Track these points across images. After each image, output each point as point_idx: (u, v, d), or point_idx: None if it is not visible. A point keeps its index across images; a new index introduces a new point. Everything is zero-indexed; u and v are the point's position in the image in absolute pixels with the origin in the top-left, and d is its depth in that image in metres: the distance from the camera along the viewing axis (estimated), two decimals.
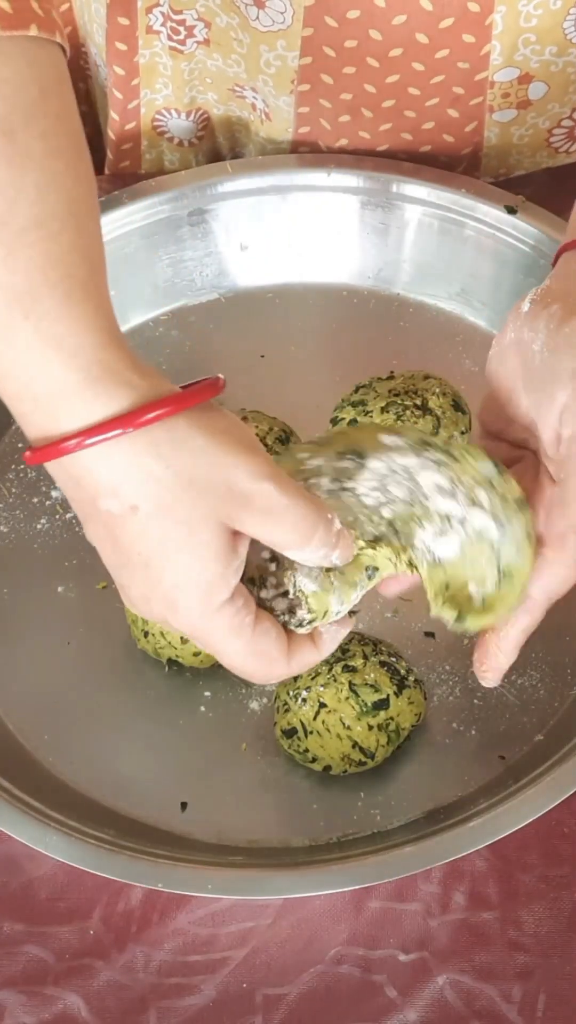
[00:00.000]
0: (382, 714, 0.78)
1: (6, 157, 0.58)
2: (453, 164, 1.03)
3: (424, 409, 0.89)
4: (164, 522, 0.61)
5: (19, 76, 0.59)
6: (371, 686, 0.78)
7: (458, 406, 0.90)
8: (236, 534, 0.63)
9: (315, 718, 0.78)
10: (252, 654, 0.66)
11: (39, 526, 0.91)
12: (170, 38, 1.01)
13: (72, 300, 0.59)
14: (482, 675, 0.74)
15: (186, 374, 0.97)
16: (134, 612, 0.69)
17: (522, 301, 0.72)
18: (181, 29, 1.00)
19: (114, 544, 0.63)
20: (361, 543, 0.68)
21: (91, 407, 0.59)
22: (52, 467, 0.62)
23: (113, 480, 0.61)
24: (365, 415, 0.89)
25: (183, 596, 0.63)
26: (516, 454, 0.74)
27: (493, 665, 0.74)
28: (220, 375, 0.64)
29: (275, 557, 0.67)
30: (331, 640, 0.69)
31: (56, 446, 0.60)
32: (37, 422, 0.61)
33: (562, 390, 0.69)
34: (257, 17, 0.95)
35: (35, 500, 0.92)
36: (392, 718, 0.78)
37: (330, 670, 0.79)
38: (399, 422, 0.88)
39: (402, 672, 0.79)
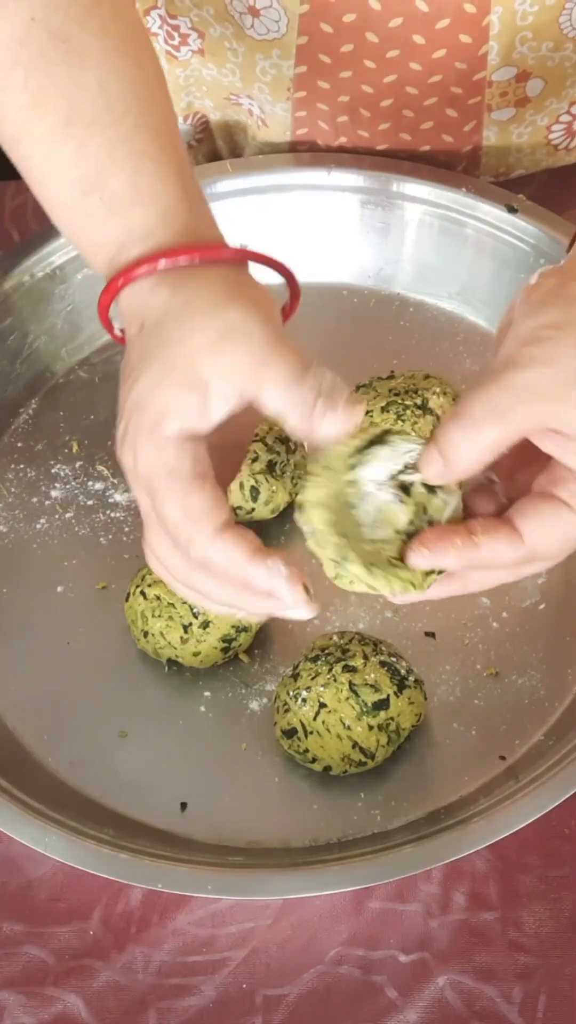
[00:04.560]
0: (382, 714, 0.78)
1: (66, 61, 0.66)
2: (452, 164, 1.03)
3: (424, 409, 0.89)
4: (152, 338, 0.62)
5: None
6: (371, 686, 0.78)
7: None
8: (217, 377, 0.62)
9: (315, 718, 0.78)
10: (175, 508, 0.62)
11: (39, 526, 0.91)
12: (166, 41, 1.01)
13: (140, 172, 0.65)
14: (417, 552, 0.64)
15: None
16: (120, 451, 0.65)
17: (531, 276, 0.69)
18: (176, 35, 1.00)
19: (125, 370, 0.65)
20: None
21: (138, 248, 0.65)
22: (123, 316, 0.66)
23: (134, 308, 0.64)
24: (365, 414, 0.89)
25: (137, 414, 0.62)
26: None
27: (439, 559, 0.64)
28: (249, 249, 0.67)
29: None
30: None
31: (109, 288, 0.65)
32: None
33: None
34: (252, 26, 0.94)
35: (35, 500, 0.92)
36: (392, 718, 0.78)
37: (330, 670, 0.78)
38: (399, 422, 0.88)
39: (402, 672, 0.79)
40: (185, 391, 0.61)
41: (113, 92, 0.66)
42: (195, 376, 0.61)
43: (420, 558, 0.64)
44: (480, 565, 0.65)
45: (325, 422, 0.62)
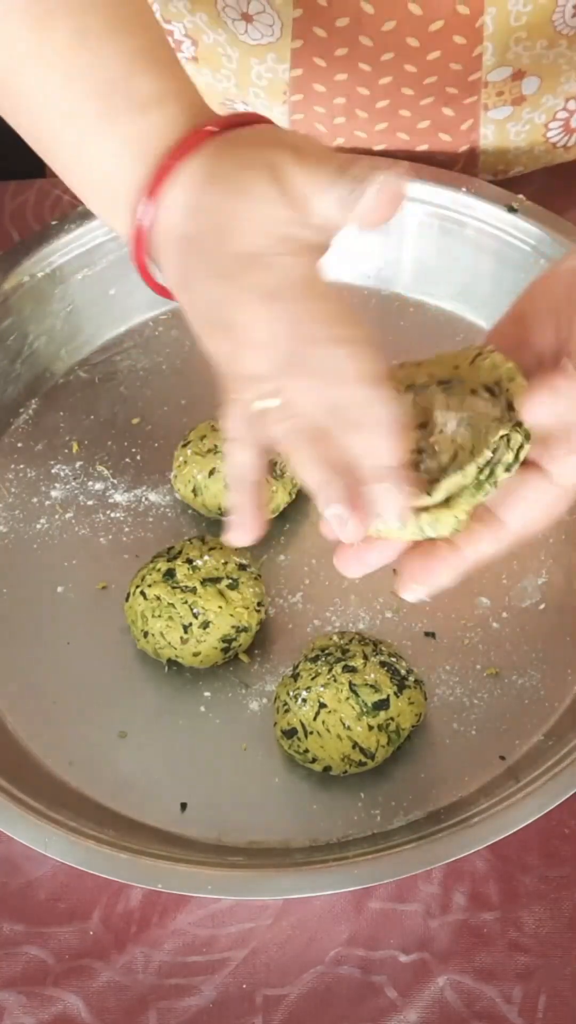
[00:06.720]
0: (382, 714, 0.78)
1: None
2: (450, 163, 1.03)
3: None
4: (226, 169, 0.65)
5: None
6: (371, 686, 0.78)
7: None
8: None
9: (315, 718, 0.78)
10: (328, 305, 0.64)
11: (38, 526, 0.91)
12: None
13: (163, 77, 0.69)
14: (409, 587, 0.66)
15: (186, 374, 0.98)
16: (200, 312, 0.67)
17: None
18: (170, 40, 1.00)
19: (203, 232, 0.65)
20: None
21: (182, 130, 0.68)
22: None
23: (201, 173, 0.66)
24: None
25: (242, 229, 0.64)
26: None
27: (433, 582, 0.66)
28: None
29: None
30: None
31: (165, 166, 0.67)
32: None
33: None
34: (245, 32, 0.94)
35: (35, 500, 0.92)
36: (392, 718, 0.78)
37: (330, 670, 0.78)
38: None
39: (402, 672, 0.79)
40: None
41: (122, 12, 0.69)
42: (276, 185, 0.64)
43: (413, 593, 0.66)
44: (475, 566, 0.66)
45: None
